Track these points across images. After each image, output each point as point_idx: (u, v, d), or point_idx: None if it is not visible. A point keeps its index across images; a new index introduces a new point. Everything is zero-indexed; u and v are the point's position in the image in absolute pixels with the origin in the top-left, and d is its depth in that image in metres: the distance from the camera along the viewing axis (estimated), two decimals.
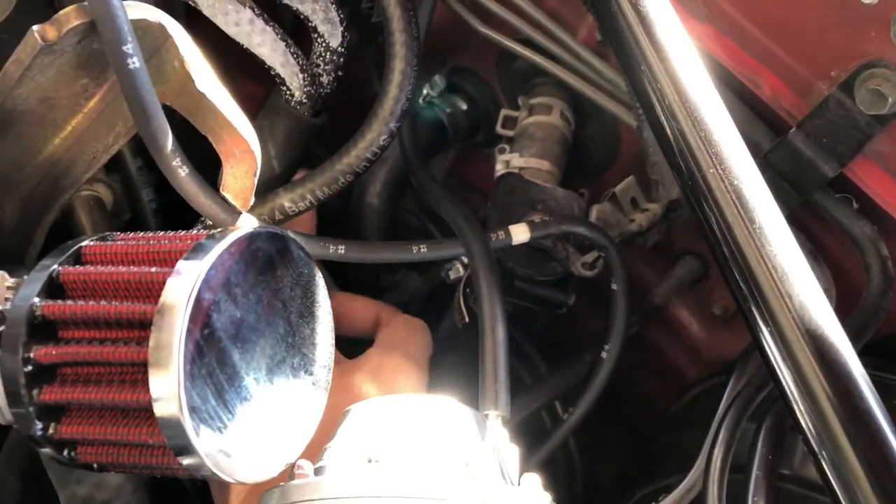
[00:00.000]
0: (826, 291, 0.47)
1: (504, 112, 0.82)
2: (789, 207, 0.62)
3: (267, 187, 0.72)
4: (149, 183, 0.81)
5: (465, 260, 0.78)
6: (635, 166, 0.77)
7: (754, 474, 0.55)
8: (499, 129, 0.82)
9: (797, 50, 0.61)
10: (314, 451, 0.47)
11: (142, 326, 0.39)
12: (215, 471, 0.39)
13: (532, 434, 0.72)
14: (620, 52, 0.52)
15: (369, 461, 0.42)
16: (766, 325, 0.44)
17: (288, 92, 0.70)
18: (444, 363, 0.82)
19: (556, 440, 0.73)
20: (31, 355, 0.40)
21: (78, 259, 0.43)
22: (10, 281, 0.44)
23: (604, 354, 0.72)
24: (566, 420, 0.73)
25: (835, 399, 0.43)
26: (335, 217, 0.85)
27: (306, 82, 0.70)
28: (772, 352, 0.44)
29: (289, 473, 0.44)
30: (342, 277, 0.81)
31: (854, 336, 0.53)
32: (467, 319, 0.78)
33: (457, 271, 0.79)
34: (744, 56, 0.62)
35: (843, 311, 0.50)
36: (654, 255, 0.85)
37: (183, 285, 0.38)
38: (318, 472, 0.44)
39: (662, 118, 0.48)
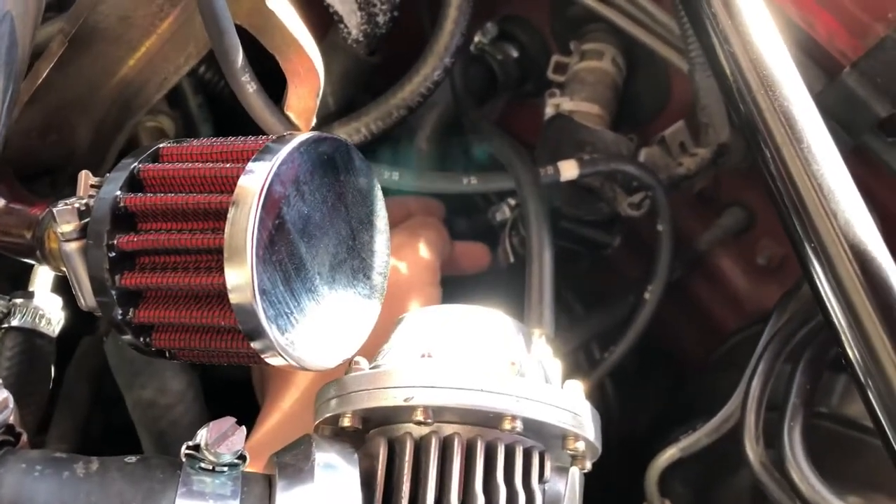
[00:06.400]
0: None
1: (556, 58, 0.83)
2: (840, 151, 0.63)
3: (322, 124, 0.74)
4: (208, 120, 0.84)
5: (512, 202, 0.80)
6: (684, 114, 0.78)
7: (792, 401, 0.56)
8: (550, 75, 0.83)
9: None
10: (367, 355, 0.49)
11: (217, 217, 0.42)
12: (280, 353, 0.41)
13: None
14: None
15: (422, 356, 0.45)
16: (810, 241, 0.45)
17: (345, 30, 0.72)
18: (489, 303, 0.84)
19: (596, 376, 0.74)
20: (115, 242, 0.43)
21: (156, 158, 0.46)
22: (93, 179, 0.47)
23: (647, 295, 0.74)
24: (607, 358, 0.75)
25: (879, 318, 0.43)
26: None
27: (363, 21, 0.72)
28: (815, 269, 0.45)
29: (345, 369, 0.47)
30: None
31: None
32: (512, 259, 0.80)
33: (503, 213, 0.81)
34: None
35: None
36: (700, 204, 0.86)
37: (257, 177, 0.40)
38: (373, 369, 0.47)
39: (716, 42, 0.49)
